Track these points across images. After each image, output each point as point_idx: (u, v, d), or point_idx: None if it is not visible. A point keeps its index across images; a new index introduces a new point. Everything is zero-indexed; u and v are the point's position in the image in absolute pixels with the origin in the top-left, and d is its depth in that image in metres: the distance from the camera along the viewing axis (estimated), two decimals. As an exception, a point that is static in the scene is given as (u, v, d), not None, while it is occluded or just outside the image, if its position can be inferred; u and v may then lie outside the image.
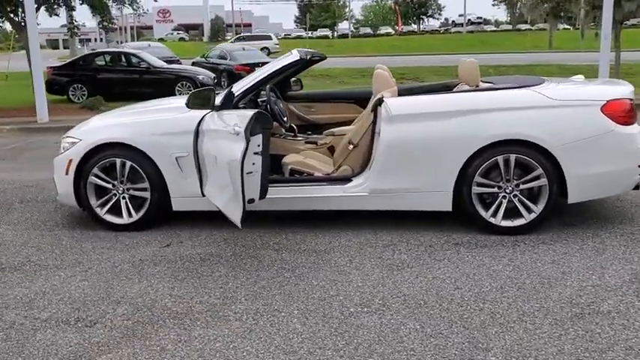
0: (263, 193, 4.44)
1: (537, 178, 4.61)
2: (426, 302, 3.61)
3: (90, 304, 3.72)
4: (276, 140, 5.59)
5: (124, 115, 5.61)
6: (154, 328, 3.40)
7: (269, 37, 45.28)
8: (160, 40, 56.05)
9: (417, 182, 4.75)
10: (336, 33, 74.41)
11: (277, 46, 43.16)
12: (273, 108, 5.44)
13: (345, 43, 53.93)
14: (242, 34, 48.27)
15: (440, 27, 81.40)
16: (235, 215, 4.16)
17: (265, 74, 5.10)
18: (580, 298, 3.61)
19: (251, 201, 4.29)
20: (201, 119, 4.65)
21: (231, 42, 40.31)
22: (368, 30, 73.01)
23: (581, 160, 4.59)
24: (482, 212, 4.70)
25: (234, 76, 17.47)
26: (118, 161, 5.00)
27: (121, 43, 45.52)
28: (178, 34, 72.25)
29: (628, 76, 14.79)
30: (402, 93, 5.06)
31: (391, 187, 4.78)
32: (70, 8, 16.48)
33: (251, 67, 16.69)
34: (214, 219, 4.88)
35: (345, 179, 4.92)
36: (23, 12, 13.35)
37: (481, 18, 74.43)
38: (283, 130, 5.81)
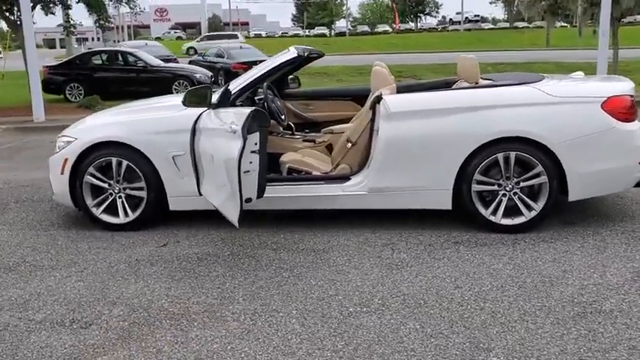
0: (260, 192, 4.39)
1: (537, 175, 4.57)
2: (425, 302, 3.57)
3: (85, 305, 3.67)
4: (273, 138, 5.54)
5: (120, 113, 5.55)
6: (150, 329, 3.36)
7: (235, 36, 45.75)
8: (157, 39, 56.03)
9: (416, 180, 4.71)
10: (333, 31, 74.38)
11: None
12: (270, 106, 5.39)
13: (342, 41, 53.84)
14: (207, 34, 48.81)
15: (437, 25, 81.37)
16: (233, 214, 4.12)
17: (262, 72, 5.05)
18: (582, 296, 3.57)
19: (248, 200, 4.24)
20: (198, 117, 4.59)
21: (197, 41, 44.07)
22: (365, 28, 73.01)
23: (582, 157, 4.56)
24: (482, 210, 4.66)
25: (231, 75, 17.38)
26: (114, 160, 4.95)
27: (118, 42, 45.49)
28: (175, 32, 72.07)
29: (625, 73, 14.76)
30: (400, 90, 5.02)
31: (390, 186, 4.74)
32: (66, 7, 16.42)
33: (248, 66, 16.60)
34: (211, 218, 4.83)
35: (344, 178, 4.88)
36: (19, 11, 13.29)
37: (478, 16, 74.35)
38: (281, 129, 5.76)
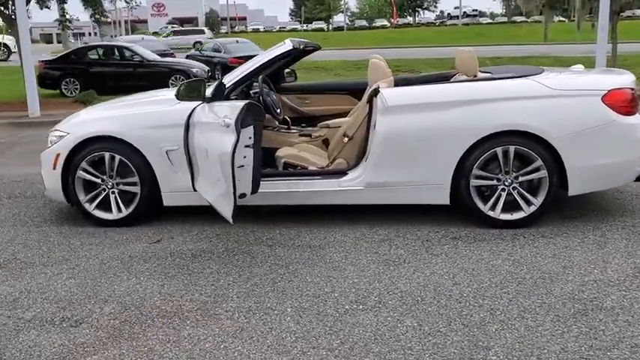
0: (255, 188, 4.32)
1: (537, 169, 4.50)
2: (423, 299, 3.50)
3: (76, 303, 3.60)
4: (269, 133, 5.46)
5: (113, 107, 5.47)
6: (142, 327, 3.28)
7: (202, 32, 45.88)
8: (155, 33, 55.82)
9: (413, 175, 4.64)
10: (331, 26, 74.20)
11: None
12: (265, 100, 5.31)
13: (340, 35, 53.72)
14: (174, 29, 48.99)
15: (435, 19, 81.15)
16: (226, 210, 4.04)
17: (257, 65, 4.96)
18: (582, 293, 3.50)
19: (242, 195, 4.17)
20: (192, 111, 4.51)
21: (164, 37, 44.56)
22: (363, 22, 72.78)
23: (582, 151, 4.49)
24: (480, 205, 4.59)
25: (228, 69, 17.25)
26: (107, 155, 4.87)
27: (115, 37, 45.33)
28: (173, 27, 71.83)
29: (624, 67, 14.68)
30: (398, 83, 4.95)
31: (387, 181, 4.67)
32: (62, 1, 16.29)
33: (245, 60, 16.52)
34: (206, 214, 4.76)
35: (341, 173, 4.80)
36: (13, 5, 13.16)
37: (477, 10, 74.35)
38: (277, 123, 5.68)
